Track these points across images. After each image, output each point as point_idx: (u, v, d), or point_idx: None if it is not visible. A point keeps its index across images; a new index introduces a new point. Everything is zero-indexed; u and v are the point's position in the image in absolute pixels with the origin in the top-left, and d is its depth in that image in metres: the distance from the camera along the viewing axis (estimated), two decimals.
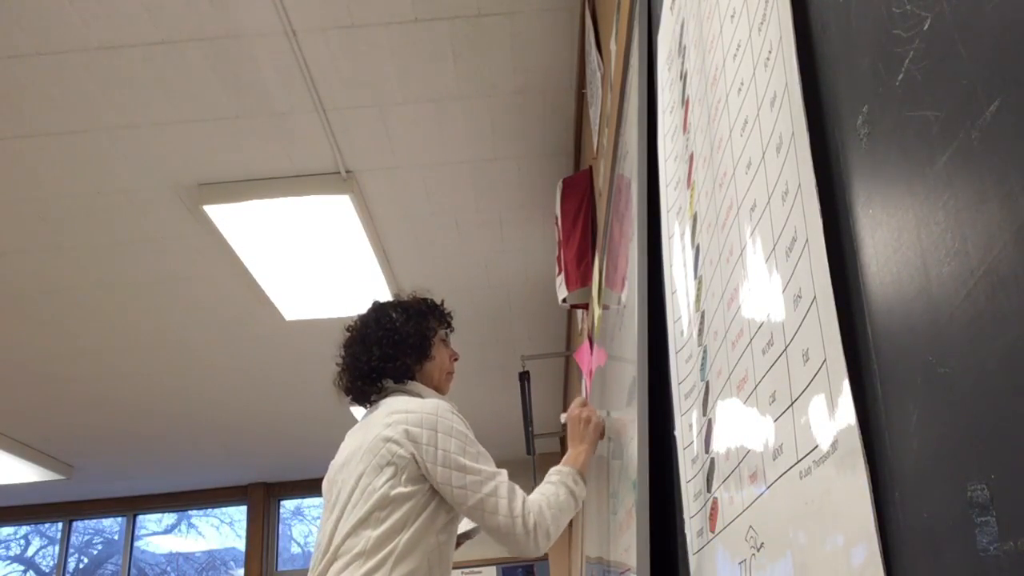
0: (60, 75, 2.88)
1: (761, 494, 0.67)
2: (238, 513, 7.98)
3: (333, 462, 1.74)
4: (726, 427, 0.80)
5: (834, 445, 0.52)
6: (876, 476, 0.48)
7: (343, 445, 1.76)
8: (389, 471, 1.56)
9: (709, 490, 0.87)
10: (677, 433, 1.06)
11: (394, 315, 1.81)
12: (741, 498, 0.73)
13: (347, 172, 3.53)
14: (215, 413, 5.93)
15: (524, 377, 4.45)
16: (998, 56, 0.37)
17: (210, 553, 8.17)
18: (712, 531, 0.85)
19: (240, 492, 7.79)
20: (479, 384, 5.75)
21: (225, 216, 3.60)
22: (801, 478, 0.57)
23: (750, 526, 0.70)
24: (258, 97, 3.09)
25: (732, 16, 0.82)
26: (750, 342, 0.72)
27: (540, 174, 3.74)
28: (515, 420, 4.72)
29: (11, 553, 8.06)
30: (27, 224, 3.64)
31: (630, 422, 1.35)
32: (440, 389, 1.83)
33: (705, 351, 0.92)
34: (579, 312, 3.71)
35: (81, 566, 8.08)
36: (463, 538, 1.85)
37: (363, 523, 1.54)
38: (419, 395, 1.74)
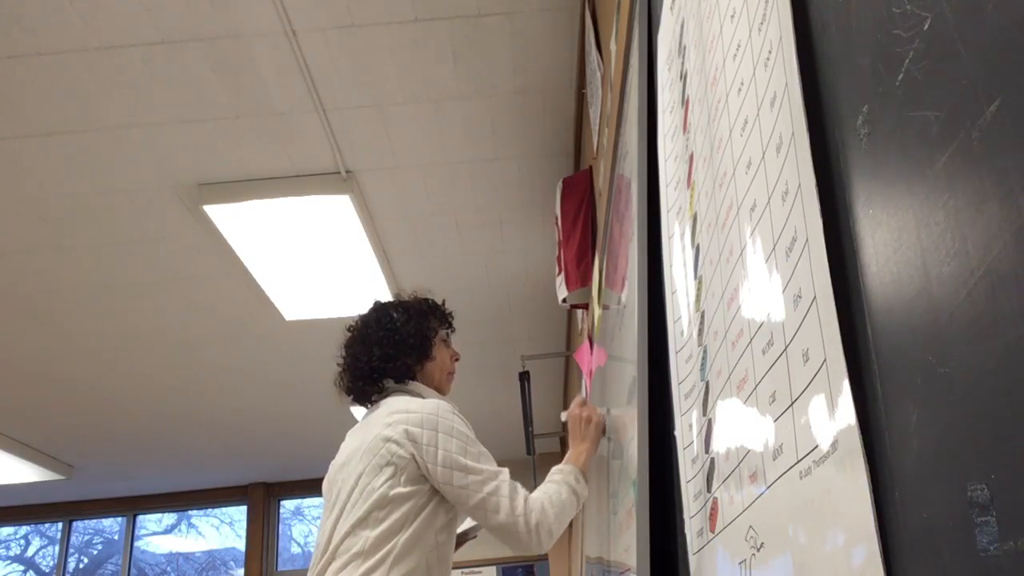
0: (60, 75, 2.88)
1: (761, 494, 0.67)
2: (238, 513, 7.98)
3: (333, 462, 1.74)
4: (726, 427, 0.80)
5: (834, 445, 0.52)
6: (876, 476, 0.48)
7: (343, 445, 1.76)
8: (388, 471, 1.56)
9: (709, 490, 0.87)
10: (677, 433, 1.06)
11: (395, 315, 1.81)
12: (741, 498, 0.73)
13: (347, 172, 3.53)
14: (215, 413, 5.93)
15: (524, 377, 4.45)
16: (998, 56, 0.37)
17: (210, 553, 8.17)
18: (712, 531, 0.85)
19: (240, 492, 7.79)
20: (479, 384, 5.75)
21: (225, 216, 3.60)
22: (801, 478, 0.57)
23: (750, 526, 0.70)
24: (258, 97, 3.09)
25: (732, 16, 0.82)
26: (750, 342, 0.72)
27: (540, 174, 3.74)
28: (515, 420, 4.72)
29: (11, 553, 8.06)
30: (27, 224, 3.63)
31: (630, 422, 1.35)
32: (441, 389, 1.83)
33: (705, 351, 0.92)
34: (579, 312, 3.71)
35: (81, 566, 8.08)
36: (463, 538, 1.85)
37: (362, 523, 1.54)
38: (420, 395, 1.74)
